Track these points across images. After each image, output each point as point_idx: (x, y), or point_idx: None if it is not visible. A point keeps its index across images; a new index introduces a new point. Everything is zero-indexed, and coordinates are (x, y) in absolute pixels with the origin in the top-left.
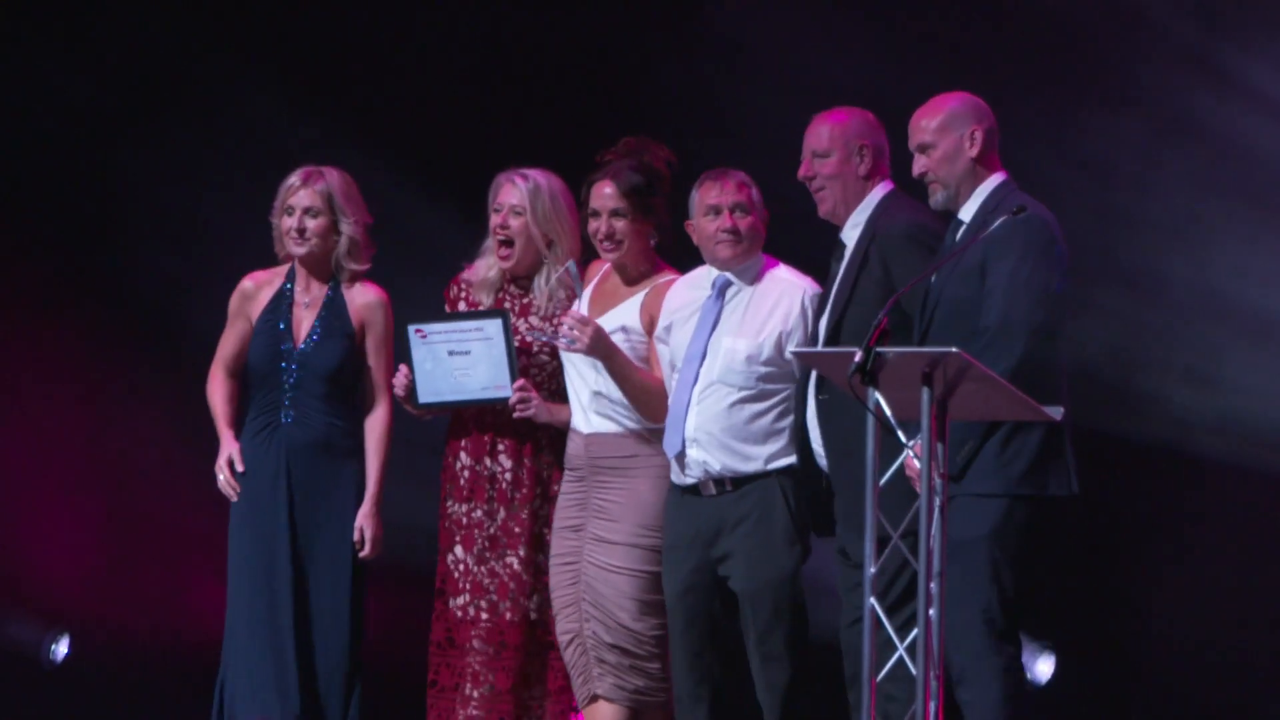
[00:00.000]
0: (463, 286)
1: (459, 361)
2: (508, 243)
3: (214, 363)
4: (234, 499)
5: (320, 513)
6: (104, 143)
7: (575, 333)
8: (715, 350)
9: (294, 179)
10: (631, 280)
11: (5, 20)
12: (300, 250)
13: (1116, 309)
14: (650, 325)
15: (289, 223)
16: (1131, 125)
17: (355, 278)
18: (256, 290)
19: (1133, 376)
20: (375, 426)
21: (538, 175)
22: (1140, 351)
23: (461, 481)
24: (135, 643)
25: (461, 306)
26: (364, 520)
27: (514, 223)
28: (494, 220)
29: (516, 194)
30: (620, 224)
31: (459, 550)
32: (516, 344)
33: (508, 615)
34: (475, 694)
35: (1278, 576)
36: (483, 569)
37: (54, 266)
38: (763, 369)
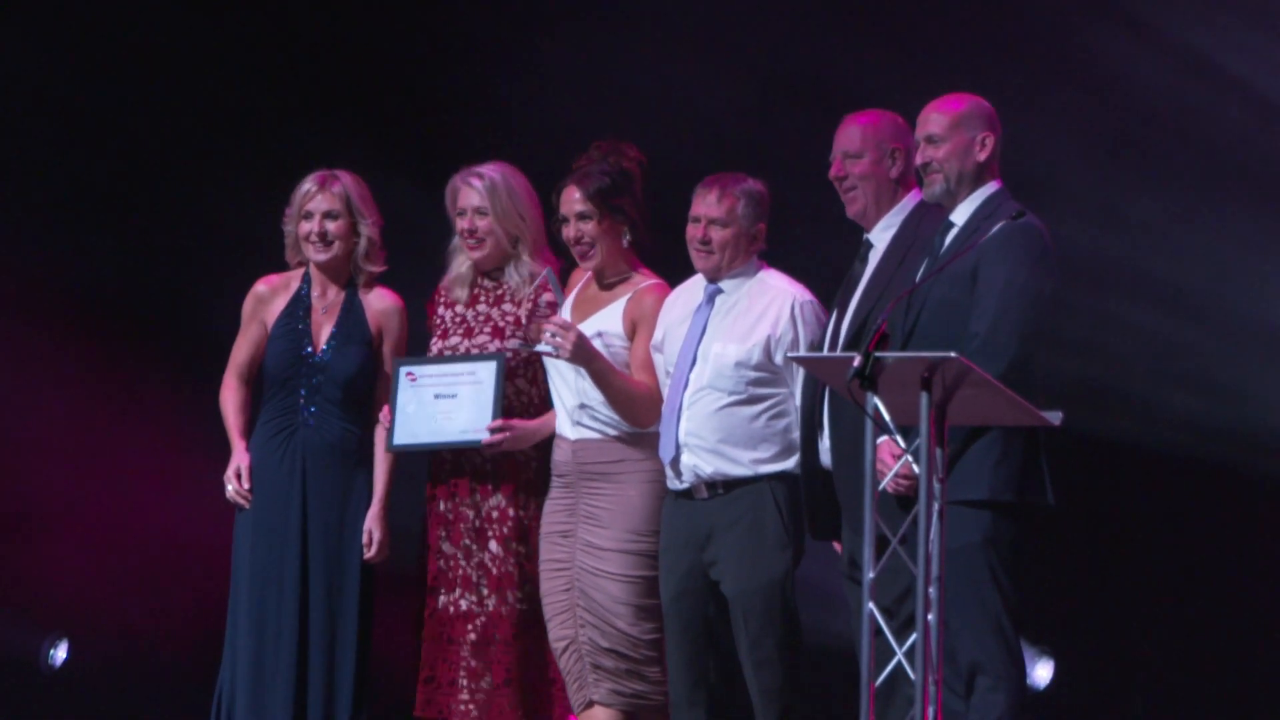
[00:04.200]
0: (439, 295)
1: (443, 405)
2: (479, 242)
3: (227, 370)
4: (245, 508)
5: (333, 519)
6: (104, 146)
7: (558, 339)
8: (705, 356)
9: (309, 184)
10: (609, 285)
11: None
12: (323, 256)
13: (1116, 314)
14: (632, 331)
15: (308, 228)
16: (1131, 128)
17: (372, 280)
18: (271, 295)
19: (1128, 381)
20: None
21: (492, 171)
22: (1134, 356)
23: (444, 476)
24: (134, 647)
25: (441, 310)
26: (372, 523)
27: (480, 224)
28: (460, 225)
29: (476, 195)
30: (588, 227)
31: (447, 546)
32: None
33: (502, 610)
34: (473, 688)
35: (1275, 581)
36: (470, 562)
37: (56, 271)
38: (752, 374)
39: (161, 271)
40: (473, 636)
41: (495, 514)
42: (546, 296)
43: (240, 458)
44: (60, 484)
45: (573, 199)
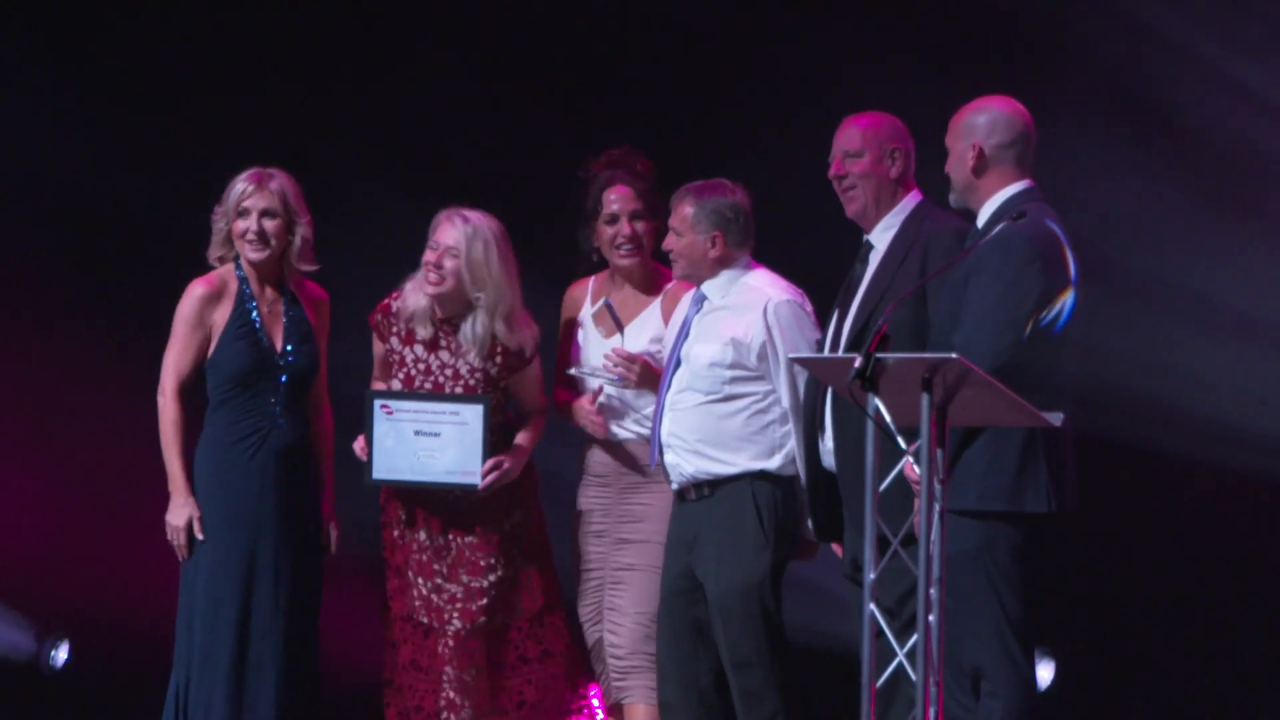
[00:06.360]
0: (392, 320)
1: (425, 442)
2: (440, 280)
3: (170, 385)
4: (182, 558)
5: (299, 518)
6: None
7: (621, 370)
8: (686, 357)
9: (245, 182)
10: (637, 289)
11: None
12: (260, 255)
13: (1114, 315)
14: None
15: (243, 225)
16: (1131, 131)
17: (300, 279)
18: (216, 297)
19: (1125, 381)
20: (326, 426)
21: (477, 218)
22: (1132, 356)
23: (412, 508)
24: (135, 648)
25: (397, 344)
26: (330, 519)
27: (448, 264)
28: (429, 256)
29: (454, 235)
30: (641, 225)
31: (421, 582)
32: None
33: (473, 635)
34: (439, 699)
35: (1273, 580)
36: (442, 597)
37: (70, 277)
38: (727, 372)
39: (166, 273)
40: (434, 654)
41: (468, 551)
42: (515, 346)
43: (191, 507)
44: (61, 485)
45: (624, 196)
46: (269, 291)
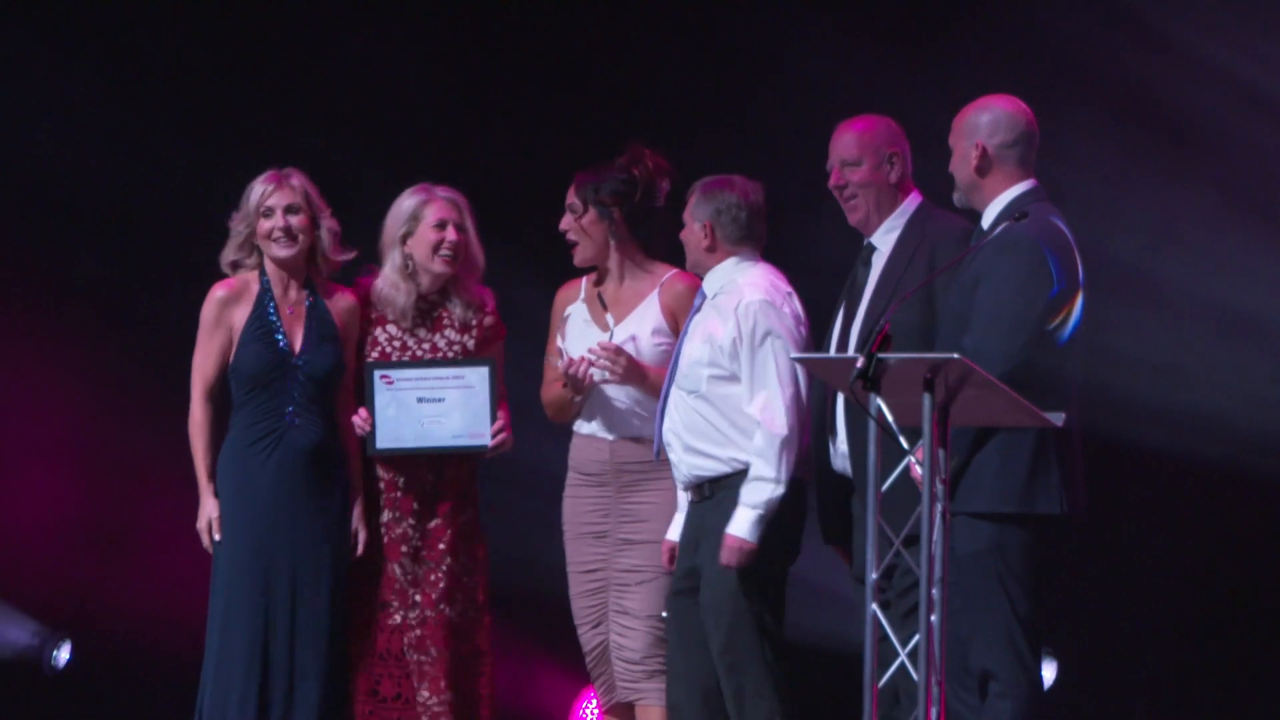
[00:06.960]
0: (372, 305)
1: (429, 409)
2: (454, 258)
3: (196, 388)
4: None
5: (319, 522)
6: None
7: (605, 362)
8: (680, 354)
9: (265, 183)
10: (628, 284)
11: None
12: (288, 251)
13: (1111, 313)
14: (674, 321)
15: (269, 225)
16: (1120, 127)
17: (332, 276)
18: (233, 299)
19: (1124, 380)
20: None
21: (452, 190)
22: (1131, 355)
23: (395, 492)
24: (137, 648)
25: (373, 329)
26: (357, 521)
27: (460, 238)
28: (442, 235)
29: (455, 212)
30: (569, 221)
31: (386, 564)
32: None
33: (430, 617)
34: (416, 700)
35: (1274, 580)
36: (406, 578)
37: (52, 269)
38: (708, 370)
39: (157, 270)
40: (411, 653)
41: (434, 530)
42: (489, 320)
43: (212, 509)
44: (61, 485)
45: (570, 191)
46: (293, 293)
